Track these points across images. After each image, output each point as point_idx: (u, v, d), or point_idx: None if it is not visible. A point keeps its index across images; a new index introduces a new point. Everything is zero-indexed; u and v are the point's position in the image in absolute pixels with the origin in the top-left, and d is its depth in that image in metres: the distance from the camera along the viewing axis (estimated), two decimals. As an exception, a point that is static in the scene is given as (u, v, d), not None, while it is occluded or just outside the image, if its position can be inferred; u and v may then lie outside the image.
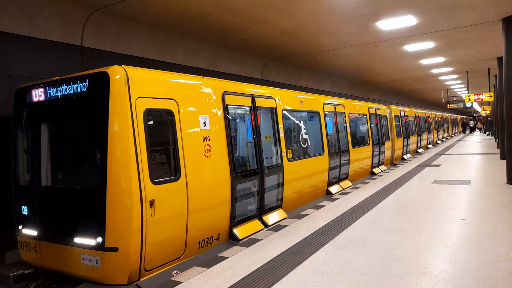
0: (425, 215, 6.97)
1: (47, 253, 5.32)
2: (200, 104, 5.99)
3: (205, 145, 5.90)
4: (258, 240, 6.12)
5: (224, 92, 6.58)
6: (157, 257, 5.03)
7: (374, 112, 14.96)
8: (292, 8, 8.55)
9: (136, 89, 4.89)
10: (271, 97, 8.06)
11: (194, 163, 5.62)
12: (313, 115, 10.28)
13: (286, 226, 6.85)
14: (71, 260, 4.96)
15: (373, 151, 14.13)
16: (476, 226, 6.12)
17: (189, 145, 5.58)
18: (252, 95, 7.41)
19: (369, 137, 13.95)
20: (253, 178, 7.14)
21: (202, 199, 5.72)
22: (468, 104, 25.89)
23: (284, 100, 8.55)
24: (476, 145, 24.84)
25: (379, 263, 4.75)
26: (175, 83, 5.71)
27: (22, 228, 5.67)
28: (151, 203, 4.84)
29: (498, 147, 18.26)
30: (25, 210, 5.64)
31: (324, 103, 10.67)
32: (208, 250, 5.89)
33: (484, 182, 10.20)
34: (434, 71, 20.00)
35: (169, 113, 5.38)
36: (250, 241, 6.12)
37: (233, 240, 6.39)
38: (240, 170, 7.14)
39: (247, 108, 7.42)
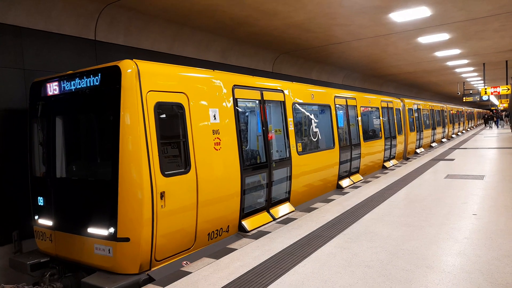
0: (436, 210, 6.91)
1: (61, 242, 5.49)
2: (210, 97, 6.03)
3: (215, 138, 5.95)
4: (267, 232, 6.19)
5: (234, 85, 6.61)
6: (168, 248, 5.14)
7: (387, 106, 14.76)
8: (302, 1, 8.49)
9: (147, 83, 4.96)
10: (280, 91, 8.04)
11: (204, 156, 5.69)
12: (324, 109, 10.22)
13: (296, 219, 6.89)
14: (85, 250, 5.11)
15: (385, 145, 13.98)
16: (488, 221, 6.05)
17: (199, 138, 5.64)
18: (261, 88, 7.39)
19: (381, 131, 13.79)
20: (261, 171, 7.19)
21: (211, 191, 5.79)
22: (485, 97, 25.35)
23: (294, 93, 8.51)
24: (492, 139, 24.34)
25: (387, 257, 4.76)
26: (185, 77, 5.74)
27: (38, 218, 5.85)
28: (162, 195, 4.93)
29: (514, 141, 17.87)
30: (40, 201, 5.81)
31: (335, 96, 10.59)
32: (217, 242, 5.98)
33: (499, 176, 10.03)
34: (450, 63, 19.61)
35: (180, 106, 5.43)
36: (259, 234, 6.18)
37: (242, 231, 6.47)
38: (249, 163, 7.16)
39: (257, 102, 7.43)
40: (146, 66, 5.06)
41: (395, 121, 15.48)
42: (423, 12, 9.87)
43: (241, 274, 4.50)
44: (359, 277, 4.23)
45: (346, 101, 11.28)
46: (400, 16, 10.15)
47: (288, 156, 7.93)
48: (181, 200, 5.28)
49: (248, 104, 7.87)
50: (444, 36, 13.02)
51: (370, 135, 13.28)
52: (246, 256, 5.11)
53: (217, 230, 6.02)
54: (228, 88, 6.45)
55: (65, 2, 7.32)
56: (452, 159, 14.34)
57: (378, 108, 13.95)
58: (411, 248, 5.04)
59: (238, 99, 6.68)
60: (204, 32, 10.42)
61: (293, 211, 7.75)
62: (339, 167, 10.27)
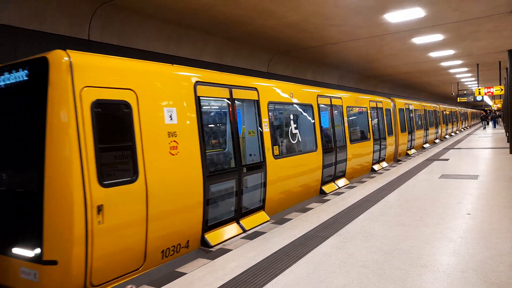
0: (431, 210, 6.94)
1: None
2: (166, 95, 5.35)
3: (171, 141, 5.27)
4: (262, 233, 6.18)
5: (197, 82, 5.92)
6: (108, 270, 4.46)
7: (376, 106, 14.23)
8: (297, 0, 8.50)
9: (82, 77, 4.30)
10: (253, 89, 7.31)
11: (157, 162, 5.01)
12: (305, 109, 9.50)
13: (291, 219, 6.89)
14: (11, 273, 4.44)
15: (374, 146, 13.38)
16: (482, 221, 6.09)
17: (151, 141, 4.96)
18: (230, 86, 6.66)
19: (369, 132, 13.17)
20: (229, 178, 6.49)
21: (166, 203, 5.12)
22: (479, 98, 25.57)
23: (270, 92, 7.87)
24: (486, 139, 24.53)
25: (382, 257, 4.77)
26: (134, 71, 5.02)
27: None
28: (99, 208, 4.28)
29: (508, 141, 18.02)
30: None
31: (318, 96, 9.86)
32: (174, 260, 5.35)
33: (492, 176, 10.10)
34: (444, 64, 19.75)
35: (126, 105, 4.76)
36: (254, 234, 6.17)
37: (205, 246, 5.80)
38: (214, 169, 6.48)
39: (225, 101, 6.68)
40: (81, 58, 4.41)
41: (385, 122, 15.00)
42: (417, 13, 9.93)
43: (236, 274, 4.48)
44: (355, 277, 4.23)
45: (331, 100, 10.60)
46: (394, 17, 10.21)
47: (262, 160, 7.23)
48: (126, 214, 4.59)
49: (214, 103, 7.12)
50: (438, 37, 13.11)
51: (358, 136, 12.68)
52: (242, 256, 5.09)
53: (174, 246, 5.32)
54: (189, 85, 5.78)
55: (59, 2, 7.27)
56: (447, 159, 14.42)
57: (366, 108, 13.36)
58: (406, 247, 5.05)
59: (201, 98, 5.95)
60: (200, 32, 10.40)
61: (268, 221, 7.10)
62: (322, 172, 9.55)
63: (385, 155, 14.91)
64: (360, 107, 13.18)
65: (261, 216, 7.15)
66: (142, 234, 4.79)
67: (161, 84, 5.35)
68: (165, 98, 5.33)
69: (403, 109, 17.88)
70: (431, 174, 11.00)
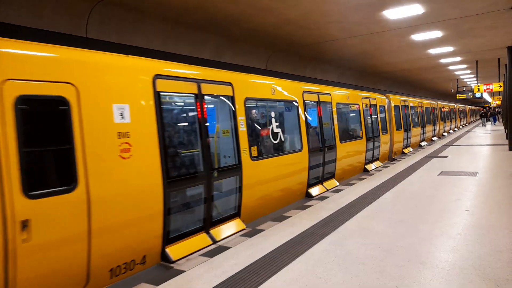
0: (430, 207, 6.95)
1: None
2: (115, 90, 4.72)
3: (122, 143, 4.64)
4: (261, 230, 6.18)
5: (156, 75, 5.31)
6: None
7: (368, 102, 13.62)
8: (296, -2, 8.48)
9: (2, 69, 3.75)
10: (227, 83, 6.65)
11: (103, 168, 4.40)
12: (289, 106, 8.87)
13: (290, 217, 6.89)
14: None
15: (366, 145, 12.81)
16: (480, 217, 6.10)
17: (95, 143, 4.37)
18: (199, 80, 6.02)
19: (362, 130, 12.61)
20: (196, 183, 5.86)
21: (115, 214, 4.51)
22: (478, 95, 25.54)
23: (247, 87, 7.23)
24: (485, 136, 24.54)
25: (381, 253, 4.78)
26: (74, 62, 4.38)
27: None
28: (24, 224, 3.69)
29: (507, 138, 18.04)
30: None
31: (304, 92, 9.21)
32: (128, 278, 4.78)
33: (491, 173, 10.12)
34: (443, 60, 19.71)
35: (62, 101, 4.14)
36: (253, 232, 6.17)
37: (166, 261, 5.21)
38: (177, 174, 5.72)
39: (192, 97, 6.06)
40: (3, 46, 3.89)
41: (379, 119, 14.37)
42: (416, 9, 9.90)
43: (235, 272, 4.49)
44: (353, 274, 4.24)
45: (318, 96, 9.98)
46: (393, 14, 10.17)
47: (237, 162, 6.63)
48: (61, 230, 3.98)
49: (178, 99, 6.53)
50: (437, 34, 13.07)
51: (349, 135, 12.06)
52: (240, 254, 5.10)
53: (126, 263, 4.71)
54: (146, 79, 5.17)
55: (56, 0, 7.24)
56: (446, 156, 14.43)
57: (358, 105, 12.76)
58: (405, 244, 5.06)
59: (161, 93, 5.35)
60: (198, 29, 10.37)
61: (243, 230, 6.50)
62: (309, 173, 8.90)
63: (379, 154, 14.38)
64: (352, 104, 12.62)
65: (236, 224, 6.57)
66: (83, 251, 4.19)
67: (110, 78, 4.74)
68: (115, 93, 4.71)
69: (399, 106, 17.41)
70: (430, 171, 11.01)
